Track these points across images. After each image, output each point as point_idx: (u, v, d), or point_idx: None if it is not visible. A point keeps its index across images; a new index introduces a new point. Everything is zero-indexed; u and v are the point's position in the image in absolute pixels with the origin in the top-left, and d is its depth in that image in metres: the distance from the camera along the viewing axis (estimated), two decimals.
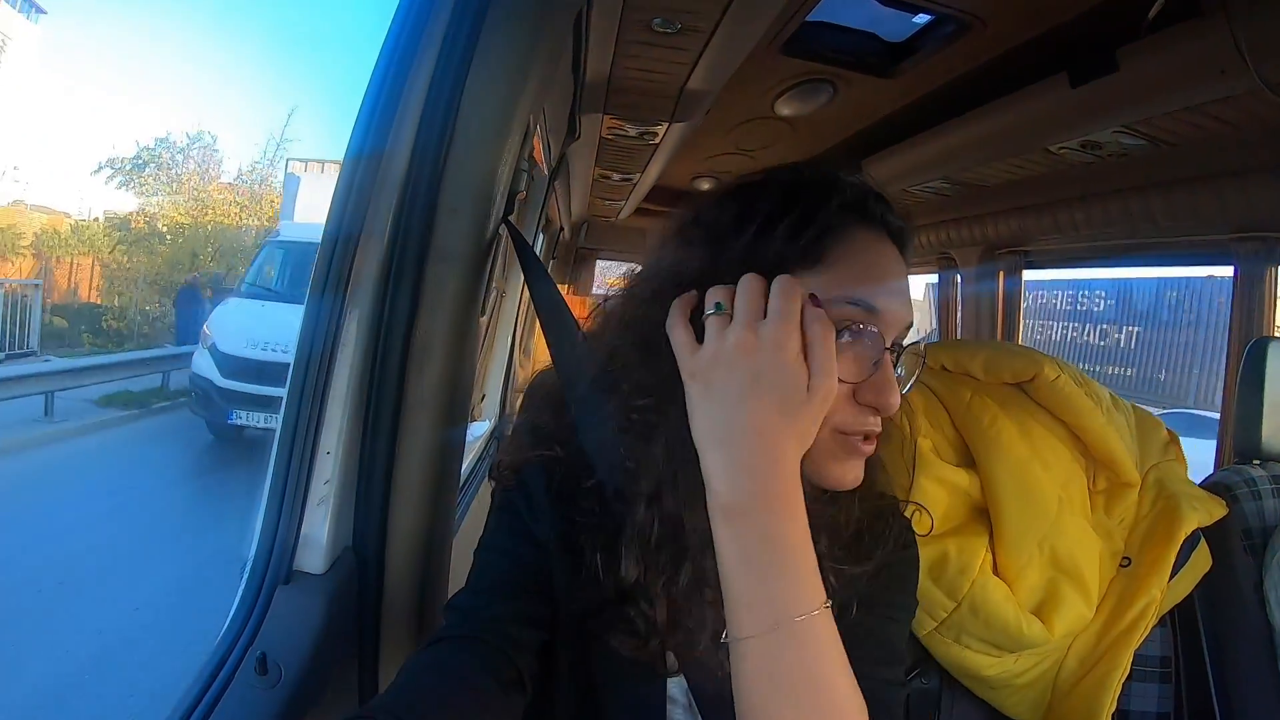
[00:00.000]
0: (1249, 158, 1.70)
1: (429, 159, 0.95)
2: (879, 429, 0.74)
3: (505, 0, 0.96)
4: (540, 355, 4.14)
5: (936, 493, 1.14)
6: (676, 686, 0.80)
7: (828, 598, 0.65)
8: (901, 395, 0.74)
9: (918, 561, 0.90)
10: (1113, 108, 1.66)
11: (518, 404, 3.08)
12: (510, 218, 1.09)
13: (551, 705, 0.80)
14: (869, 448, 0.74)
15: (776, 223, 0.74)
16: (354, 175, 0.92)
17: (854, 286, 0.72)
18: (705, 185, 3.24)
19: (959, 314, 2.98)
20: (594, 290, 4.97)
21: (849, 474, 0.74)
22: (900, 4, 1.67)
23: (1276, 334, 1.94)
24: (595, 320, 0.88)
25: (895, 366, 0.74)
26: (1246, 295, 1.93)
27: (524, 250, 1.10)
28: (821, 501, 0.78)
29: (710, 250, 0.76)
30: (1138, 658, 1.26)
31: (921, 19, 1.75)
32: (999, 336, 2.76)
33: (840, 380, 0.68)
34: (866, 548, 0.82)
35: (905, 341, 0.77)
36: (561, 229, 3.73)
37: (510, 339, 2.78)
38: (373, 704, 0.68)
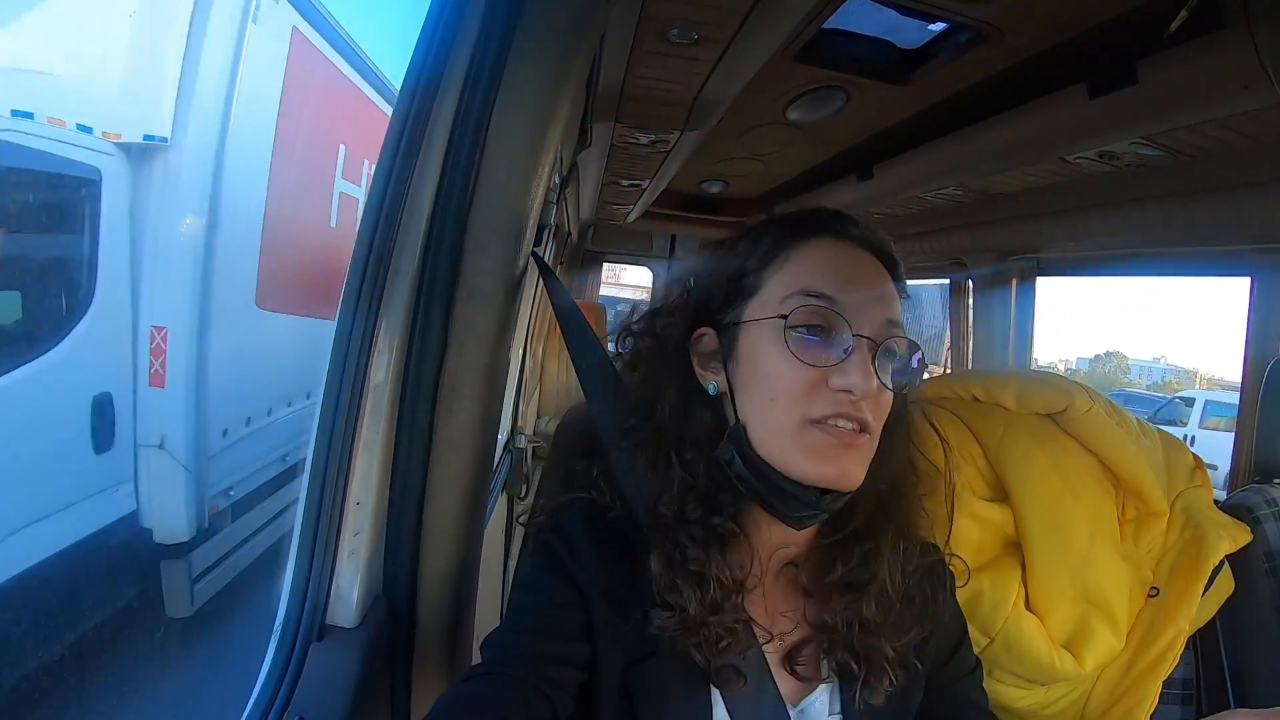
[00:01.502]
0: (1269, 169, 1.67)
1: (455, 197, 0.93)
2: (858, 416, 0.75)
3: (532, 30, 0.94)
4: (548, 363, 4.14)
5: (969, 529, 1.13)
6: None
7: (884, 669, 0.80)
8: (908, 396, 0.82)
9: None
10: (1132, 119, 1.63)
11: (527, 413, 3.06)
12: (538, 248, 1.07)
13: None
14: (854, 439, 0.76)
15: (748, 248, 0.84)
16: (379, 215, 0.90)
17: (812, 281, 0.79)
18: (714, 189, 3.22)
19: (971, 319, 2.96)
20: (600, 294, 4.98)
21: (824, 468, 0.76)
22: (917, 12, 1.64)
23: None
24: (624, 360, 0.93)
25: (875, 360, 0.76)
26: (1263, 306, 1.92)
27: (549, 278, 1.08)
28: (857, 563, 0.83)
29: (709, 284, 0.86)
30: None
31: (937, 27, 1.72)
32: (1010, 344, 2.74)
33: (809, 365, 0.75)
34: (917, 612, 0.85)
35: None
36: (569, 233, 3.70)
37: (522, 351, 2.75)
38: None
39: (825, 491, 0.78)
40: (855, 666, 0.82)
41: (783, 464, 0.77)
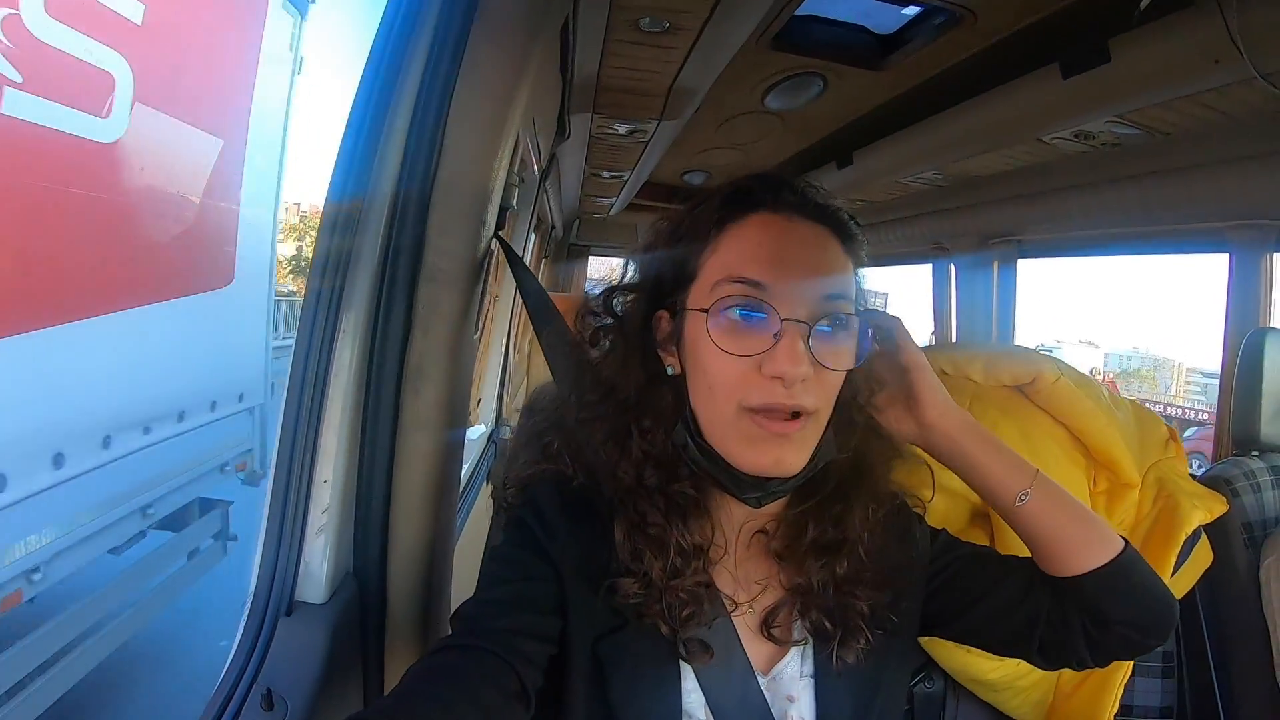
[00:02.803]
0: (1243, 146, 1.69)
1: (417, 180, 0.94)
2: (790, 403, 0.75)
3: (492, 15, 0.95)
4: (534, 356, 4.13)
5: (936, 500, 1.13)
6: (695, 703, 0.81)
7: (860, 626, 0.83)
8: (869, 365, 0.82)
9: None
10: (1105, 98, 1.64)
11: (512, 405, 3.06)
12: (501, 231, 1.08)
13: None
14: (785, 429, 0.75)
15: (688, 228, 0.83)
16: (341, 198, 0.91)
17: (738, 266, 0.77)
18: (696, 180, 3.23)
19: (954, 303, 2.97)
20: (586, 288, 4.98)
21: (759, 458, 0.76)
22: None
23: (1271, 321, 1.93)
24: (583, 332, 0.92)
25: (809, 341, 0.75)
26: (1242, 282, 1.93)
27: (516, 265, 1.09)
28: (828, 524, 0.84)
29: (660, 265, 0.85)
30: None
31: (911, 11, 1.73)
32: (994, 326, 2.75)
33: (735, 354, 0.75)
34: (892, 568, 0.86)
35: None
36: (553, 227, 3.71)
37: (505, 342, 2.76)
38: (374, 708, 0.69)
39: (769, 478, 0.78)
40: (830, 625, 0.83)
41: (725, 452, 0.77)
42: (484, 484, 2.30)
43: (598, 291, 0.91)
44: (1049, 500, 0.86)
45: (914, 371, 0.88)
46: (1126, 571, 0.84)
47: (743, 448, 0.76)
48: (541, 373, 4.06)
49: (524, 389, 3.54)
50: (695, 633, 0.80)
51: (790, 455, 0.76)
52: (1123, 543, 0.85)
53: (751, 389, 0.75)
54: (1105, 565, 0.83)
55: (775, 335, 0.75)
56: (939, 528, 0.95)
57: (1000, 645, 0.92)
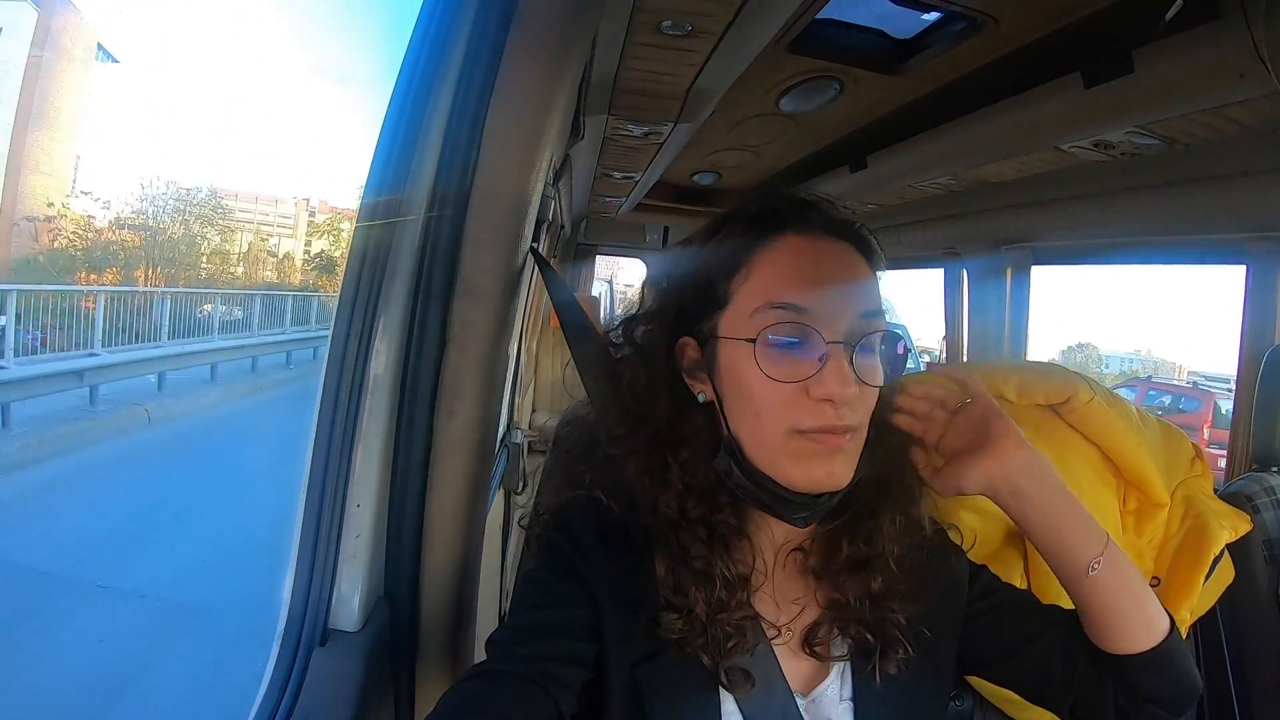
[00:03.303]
0: (1263, 158, 1.68)
1: (452, 193, 0.92)
2: (843, 422, 0.76)
3: (528, 25, 0.93)
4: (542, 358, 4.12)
5: (969, 519, 1.13)
6: None
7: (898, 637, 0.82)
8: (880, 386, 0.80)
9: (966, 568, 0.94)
10: (1127, 109, 1.63)
11: (522, 407, 3.05)
12: (536, 244, 1.06)
13: None
14: (838, 443, 0.76)
15: (714, 252, 0.83)
16: (374, 213, 0.89)
17: (777, 291, 0.77)
18: (706, 181, 3.21)
19: (965, 309, 2.96)
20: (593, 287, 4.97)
21: (812, 472, 0.77)
22: (911, 1, 1.64)
23: None
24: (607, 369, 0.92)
25: (852, 360, 0.76)
26: (1259, 294, 1.92)
27: (551, 279, 1.08)
28: (859, 541, 0.84)
29: (682, 292, 0.84)
30: None
31: (931, 16, 1.72)
32: (1005, 333, 2.74)
33: (784, 381, 0.75)
34: (925, 583, 0.86)
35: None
36: (563, 226, 3.69)
37: (516, 346, 2.74)
38: None
39: (819, 494, 0.78)
40: (870, 638, 0.83)
41: (775, 472, 0.78)
42: (497, 491, 2.28)
43: (617, 322, 0.91)
44: (1116, 573, 0.83)
45: (993, 421, 0.86)
46: (1170, 656, 0.83)
47: (794, 466, 0.77)
48: (548, 374, 4.08)
49: (532, 390, 3.54)
50: (736, 661, 0.79)
51: (840, 468, 0.77)
52: (1169, 623, 0.84)
53: (801, 413, 0.76)
54: (1152, 649, 0.82)
55: (820, 359, 0.75)
56: (979, 563, 0.96)
57: (1034, 697, 0.92)
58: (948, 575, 0.91)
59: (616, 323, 0.91)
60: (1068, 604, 1.11)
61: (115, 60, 26.78)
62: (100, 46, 24.99)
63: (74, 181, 23.46)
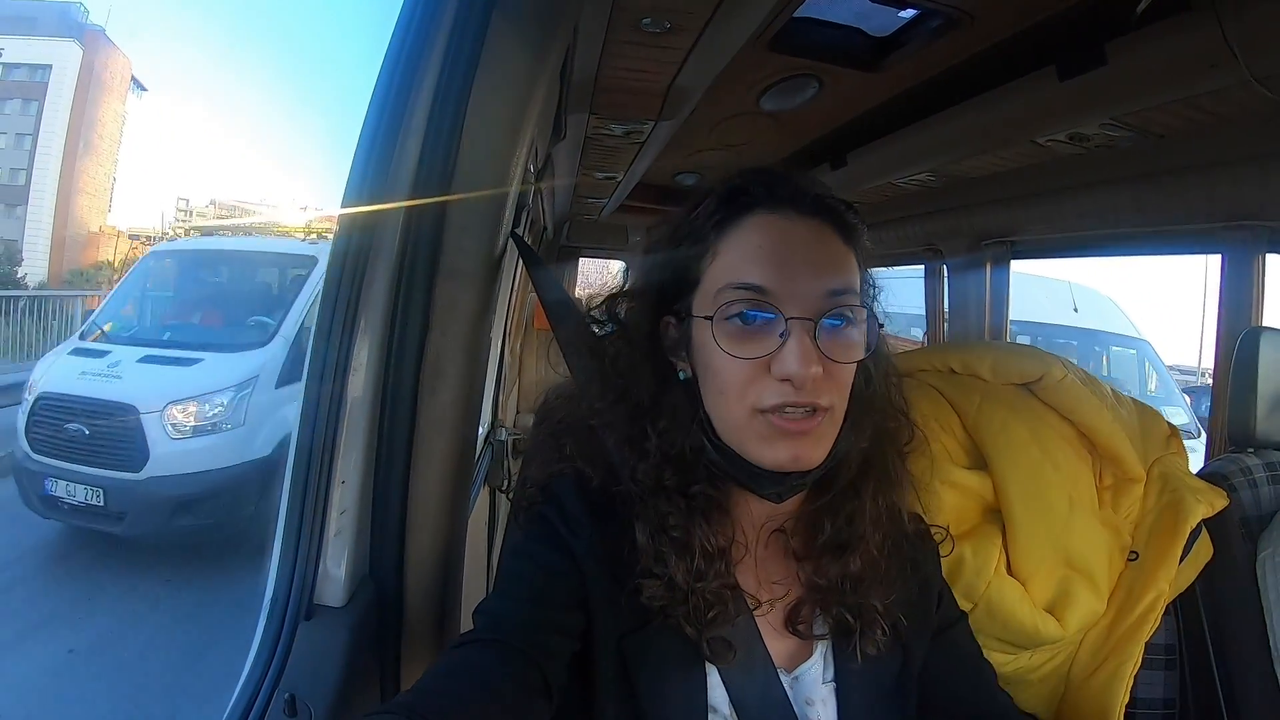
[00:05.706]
0: (1237, 148, 1.71)
1: (435, 177, 0.94)
2: (804, 401, 0.75)
3: (507, 15, 0.94)
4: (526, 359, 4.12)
5: (949, 496, 1.15)
6: (719, 699, 0.81)
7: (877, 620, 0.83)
8: (858, 362, 0.80)
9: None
10: (1101, 101, 1.66)
11: (507, 406, 3.05)
12: (517, 229, 1.07)
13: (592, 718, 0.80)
14: (804, 426, 0.76)
15: (686, 232, 0.83)
16: (359, 196, 0.90)
17: (740, 271, 0.78)
18: (689, 181, 3.22)
19: (945, 304, 2.99)
20: (578, 289, 4.96)
21: (777, 454, 0.76)
22: None
23: (1263, 320, 1.95)
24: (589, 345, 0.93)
25: (816, 337, 0.76)
26: (1234, 282, 1.95)
27: (533, 262, 1.09)
28: (840, 524, 0.84)
29: (661, 271, 0.85)
30: (1144, 647, 1.27)
31: (908, 13, 1.74)
32: (985, 326, 2.77)
33: (744, 358, 0.76)
34: (900, 569, 0.87)
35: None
36: (545, 228, 3.70)
37: (500, 343, 2.75)
38: (394, 702, 0.69)
39: (789, 472, 0.78)
40: (850, 619, 0.84)
41: (743, 451, 0.78)
42: (482, 487, 2.28)
43: (600, 299, 0.91)
44: None
45: None
46: None
47: (760, 446, 0.77)
48: (533, 376, 4.08)
49: (517, 390, 3.54)
50: (719, 632, 0.80)
51: (808, 451, 0.77)
52: None
53: (763, 391, 0.76)
54: None
55: (782, 335, 0.75)
56: (944, 525, 0.98)
57: None
58: (924, 576, 0.92)
59: (599, 300, 0.92)
60: (1042, 579, 1.13)
61: (145, 89, 28.25)
62: (134, 79, 26.66)
63: (110, 200, 25.46)
